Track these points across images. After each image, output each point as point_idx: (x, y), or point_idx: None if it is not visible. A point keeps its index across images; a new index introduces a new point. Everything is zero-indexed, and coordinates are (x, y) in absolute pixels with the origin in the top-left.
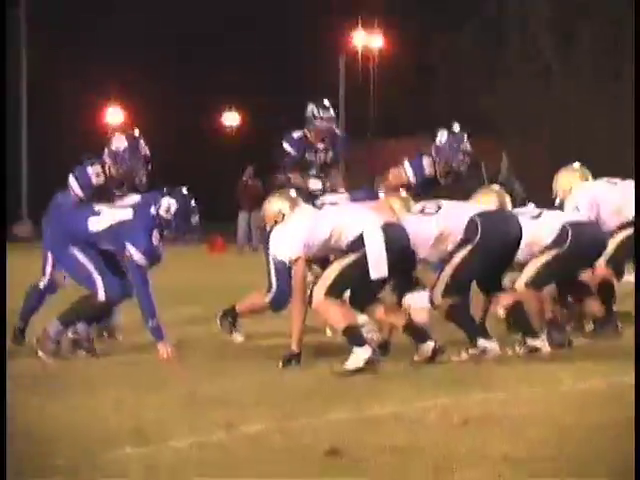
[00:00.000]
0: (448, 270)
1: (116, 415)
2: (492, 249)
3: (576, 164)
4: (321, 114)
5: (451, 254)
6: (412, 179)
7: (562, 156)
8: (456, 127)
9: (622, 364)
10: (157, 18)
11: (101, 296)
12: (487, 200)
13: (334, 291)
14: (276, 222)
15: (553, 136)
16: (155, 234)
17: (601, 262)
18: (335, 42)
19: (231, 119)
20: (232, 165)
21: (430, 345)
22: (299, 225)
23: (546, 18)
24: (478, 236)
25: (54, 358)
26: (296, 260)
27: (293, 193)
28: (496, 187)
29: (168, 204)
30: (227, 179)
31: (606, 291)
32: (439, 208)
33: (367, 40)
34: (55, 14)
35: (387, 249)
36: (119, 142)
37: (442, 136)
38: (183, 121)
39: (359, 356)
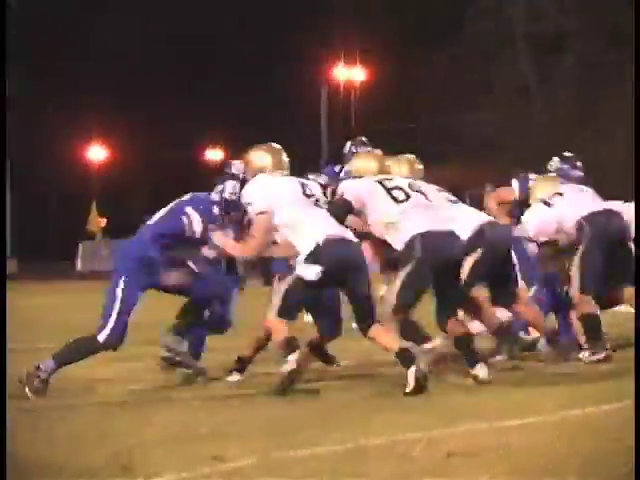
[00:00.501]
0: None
1: (102, 449)
2: (434, 266)
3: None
4: (358, 150)
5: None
6: (517, 197)
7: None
8: (567, 154)
9: (612, 388)
10: (140, 48)
11: (101, 338)
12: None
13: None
14: None
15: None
16: None
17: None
18: (317, 74)
19: (214, 154)
20: None
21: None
22: None
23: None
24: (419, 253)
25: (37, 396)
26: None
27: None
28: None
29: (232, 185)
30: None
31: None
32: None
33: (349, 73)
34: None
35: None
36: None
37: (553, 162)
38: (166, 154)
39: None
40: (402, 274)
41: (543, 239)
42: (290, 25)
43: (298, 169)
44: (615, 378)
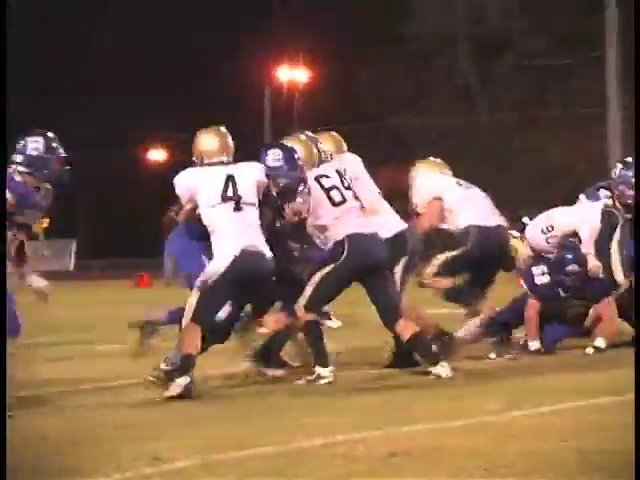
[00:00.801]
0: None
1: (44, 449)
2: (355, 269)
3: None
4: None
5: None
6: None
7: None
8: (628, 159)
9: (551, 390)
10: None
11: None
12: None
13: None
14: None
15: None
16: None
17: None
18: (260, 75)
19: (156, 154)
20: (155, 200)
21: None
22: None
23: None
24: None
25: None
26: None
27: None
28: None
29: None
30: (150, 215)
31: None
32: None
33: (292, 73)
34: None
35: None
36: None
37: (616, 169)
38: (108, 154)
39: None
40: (322, 273)
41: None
42: (232, 25)
43: None
44: (543, 380)
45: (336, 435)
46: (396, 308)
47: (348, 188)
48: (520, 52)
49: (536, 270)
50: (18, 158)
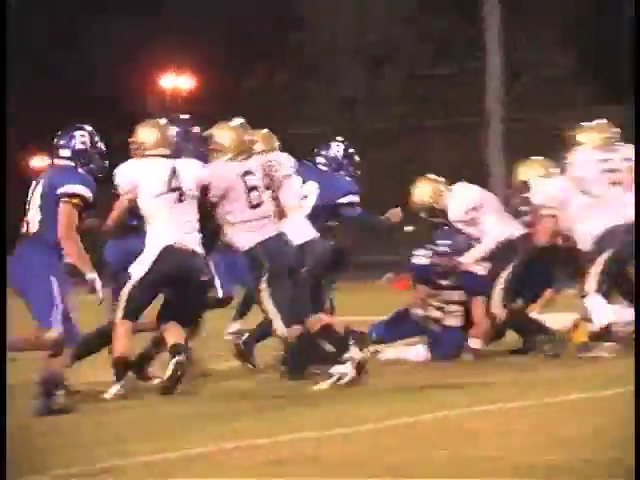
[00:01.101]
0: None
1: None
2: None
3: None
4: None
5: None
6: None
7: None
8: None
9: (428, 399)
10: None
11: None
12: None
13: None
14: None
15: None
16: None
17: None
18: (144, 82)
19: (35, 160)
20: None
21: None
22: None
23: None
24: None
25: None
26: None
27: None
28: None
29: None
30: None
31: None
32: None
33: (175, 81)
34: None
35: None
36: None
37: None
38: None
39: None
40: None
41: None
42: (117, 27)
43: None
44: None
45: (218, 443)
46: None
47: (268, 188)
48: (403, 62)
49: (418, 251)
50: (65, 152)
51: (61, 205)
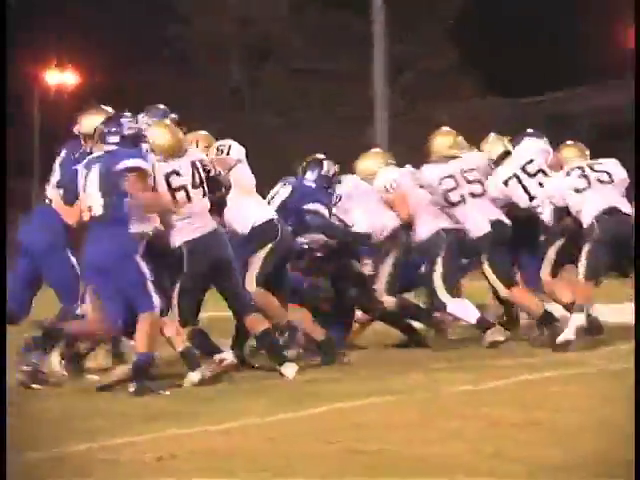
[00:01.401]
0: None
1: None
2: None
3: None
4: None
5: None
6: None
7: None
8: None
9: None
10: None
11: None
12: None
13: None
14: None
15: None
16: None
17: None
18: (29, 76)
19: None
20: None
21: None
22: None
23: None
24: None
25: None
26: None
27: None
28: None
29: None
30: None
31: None
32: None
33: (61, 76)
34: None
35: None
36: None
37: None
38: None
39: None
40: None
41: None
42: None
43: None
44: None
45: (104, 440)
46: (246, 304)
47: (200, 185)
48: (287, 55)
49: (302, 239)
50: (114, 139)
51: (127, 177)
